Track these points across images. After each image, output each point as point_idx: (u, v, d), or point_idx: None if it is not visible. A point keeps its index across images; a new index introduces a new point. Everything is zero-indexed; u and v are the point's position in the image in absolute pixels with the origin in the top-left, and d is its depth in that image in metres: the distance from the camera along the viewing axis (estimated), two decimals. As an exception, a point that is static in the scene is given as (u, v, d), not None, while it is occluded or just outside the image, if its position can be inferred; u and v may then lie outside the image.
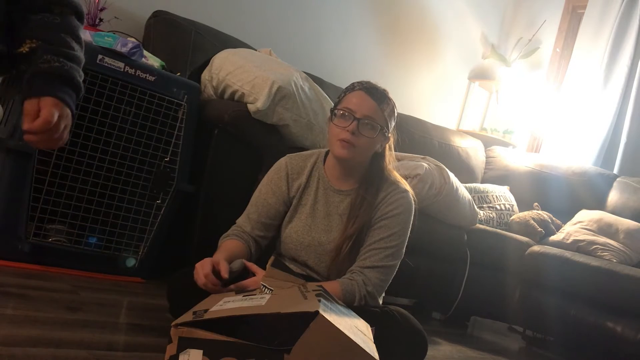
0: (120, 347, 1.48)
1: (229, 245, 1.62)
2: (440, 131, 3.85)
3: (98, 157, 2.03)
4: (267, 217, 1.69)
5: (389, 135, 1.69)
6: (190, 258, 2.19)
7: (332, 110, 1.67)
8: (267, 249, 1.75)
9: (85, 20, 1.18)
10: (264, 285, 1.29)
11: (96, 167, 2.04)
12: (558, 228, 3.26)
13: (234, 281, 1.44)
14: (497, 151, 4.04)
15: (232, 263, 1.50)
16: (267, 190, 1.71)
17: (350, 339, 1.09)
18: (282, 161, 1.75)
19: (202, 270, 1.42)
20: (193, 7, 2.87)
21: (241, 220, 1.71)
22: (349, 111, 1.60)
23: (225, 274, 1.40)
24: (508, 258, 2.98)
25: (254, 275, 1.51)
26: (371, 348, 1.15)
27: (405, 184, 1.72)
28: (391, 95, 1.68)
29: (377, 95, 1.63)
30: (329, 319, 1.07)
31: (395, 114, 1.69)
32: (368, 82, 1.66)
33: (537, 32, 4.37)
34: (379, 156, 1.70)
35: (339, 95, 1.69)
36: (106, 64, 2.02)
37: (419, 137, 3.63)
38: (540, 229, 3.20)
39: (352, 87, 1.66)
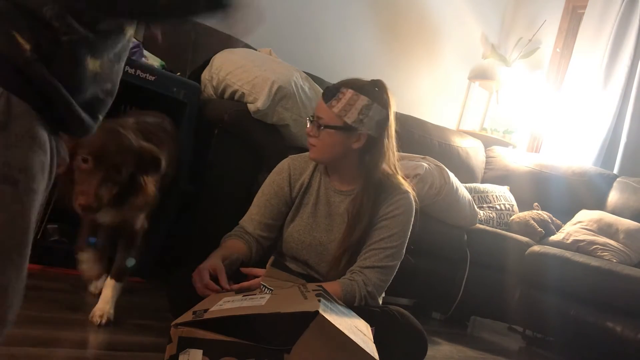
0: (120, 347, 1.48)
1: (230, 244, 1.64)
2: (440, 131, 3.85)
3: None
4: (269, 217, 1.70)
5: (361, 129, 1.59)
6: (190, 258, 2.19)
7: None
8: (270, 249, 1.75)
9: None
10: (264, 285, 1.29)
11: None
12: (558, 228, 3.26)
13: (231, 276, 1.44)
14: (497, 151, 4.03)
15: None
16: (270, 191, 1.72)
17: (350, 339, 1.09)
18: (284, 162, 1.77)
19: (200, 281, 1.42)
20: (193, 7, 2.87)
21: (244, 221, 1.72)
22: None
23: (225, 284, 1.40)
24: (508, 258, 2.97)
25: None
26: (371, 348, 1.15)
27: (407, 185, 1.72)
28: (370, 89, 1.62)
29: (327, 94, 1.64)
30: (329, 318, 1.07)
31: (365, 107, 1.58)
32: (336, 82, 1.66)
33: (537, 32, 4.37)
34: (369, 154, 1.64)
35: None
36: (106, 64, 2.01)
37: (419, 137, 3.62)
38: (540, 229, 3.20)
39: None
